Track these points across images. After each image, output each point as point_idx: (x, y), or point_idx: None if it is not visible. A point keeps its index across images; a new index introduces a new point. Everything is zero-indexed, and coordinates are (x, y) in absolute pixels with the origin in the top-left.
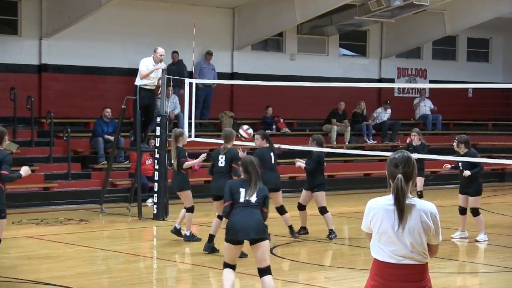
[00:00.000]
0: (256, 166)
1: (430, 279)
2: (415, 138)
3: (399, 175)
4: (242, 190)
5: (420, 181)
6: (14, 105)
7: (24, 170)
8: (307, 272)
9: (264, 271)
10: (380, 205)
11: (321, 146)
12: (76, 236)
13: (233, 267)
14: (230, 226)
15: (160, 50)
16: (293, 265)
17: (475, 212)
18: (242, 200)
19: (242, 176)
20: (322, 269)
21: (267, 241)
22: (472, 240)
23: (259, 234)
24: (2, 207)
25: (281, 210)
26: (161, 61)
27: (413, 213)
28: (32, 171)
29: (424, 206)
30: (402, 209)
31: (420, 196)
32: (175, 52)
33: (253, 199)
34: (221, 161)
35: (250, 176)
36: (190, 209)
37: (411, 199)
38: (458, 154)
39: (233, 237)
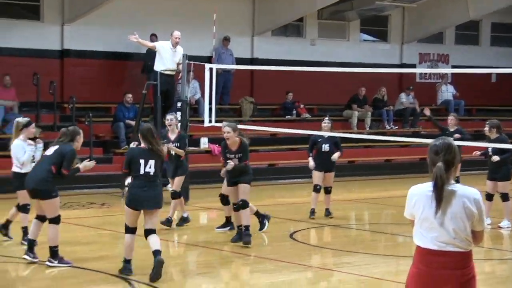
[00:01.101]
0: (154, 133)
1: (474, 266)
2: (452, 122)
3: (439, 163)
4: (142, 161)
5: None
6: (38, 90)
7: (83, 165)
8: (326, 257)
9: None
10: (421, 191)
11: None
12: (98, 219)
13: (133, 230)
14: (131, 197)
15: (176, 33)
16: (312, 250)
17: (505, 197)
18: (142, 172)
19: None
20: (342, 254)
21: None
22: (495, 226)
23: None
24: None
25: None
26: (177, 43)
27: (455, 199)
28: None
29: (467, 192)
30: (440, 197)
31: (457, 181)
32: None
33: (152, 170)
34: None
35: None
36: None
37: (453, 185)
38: (489, 139)
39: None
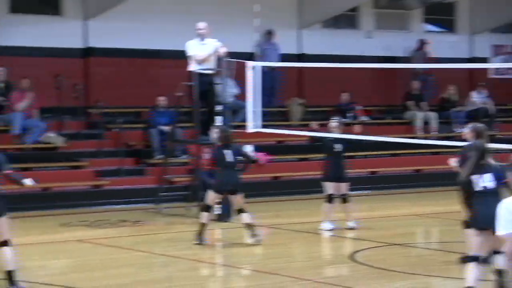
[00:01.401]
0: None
1: None
2: None
3: None
4: None
5: None
6: (60, 94)
7: (28, 181)
8: (395, 281)
9: None
10: None
11: None
12: (131, 239)
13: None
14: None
15: (198, 24)
16: (378, 272)
17: None
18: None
19: None
20: (411, 277)
21: None
22: None
23: None
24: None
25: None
26: (202, 35)
27: None
28: (81, 167)
29: None
30: None
31: None
32: None
33: None
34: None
35: None
36: None
37: None
38: None
39: None
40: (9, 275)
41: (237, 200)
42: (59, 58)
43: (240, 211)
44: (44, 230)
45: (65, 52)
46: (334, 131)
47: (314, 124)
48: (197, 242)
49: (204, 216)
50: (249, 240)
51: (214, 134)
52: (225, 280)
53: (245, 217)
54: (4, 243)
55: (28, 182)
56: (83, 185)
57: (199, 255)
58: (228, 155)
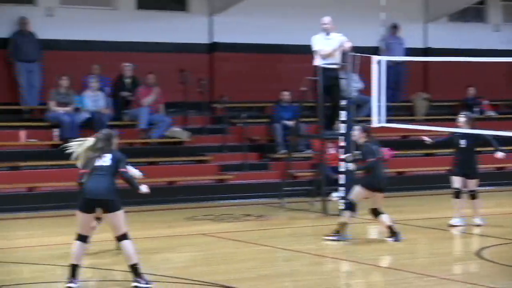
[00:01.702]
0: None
1: None
2: None
3: None
4: None
5: None
6: (185, 89)
7: (144, 188)
8: None
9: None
10: None
11: None
12: (255, 233)
13: None
14: None
15: (323, 19)
16: (504, 270)
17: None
18: None
19: None
20: None
21: None
22: None
23: None
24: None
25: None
26: (327, 30)
27: None
28: (205, 161)
29: None
30: None
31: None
32: None
33: None
34: None
35: None
36: None
37: None
38: None
39: None
40: (133, 268)
41: (380, 199)
42: (184, 54)
43: (377, 212)
44: (169, 224)
45: (191, 48)
46: (462, 127)
47: (426, 139)
48: (333, 239)
49: (347, 214)
50: (389, 240)
51: (355, 132)
52: (348, 276)
53: (385, 219)
54: (123, 237)
55: (144, 189)
56: (207, 179)
57: (322, 250)
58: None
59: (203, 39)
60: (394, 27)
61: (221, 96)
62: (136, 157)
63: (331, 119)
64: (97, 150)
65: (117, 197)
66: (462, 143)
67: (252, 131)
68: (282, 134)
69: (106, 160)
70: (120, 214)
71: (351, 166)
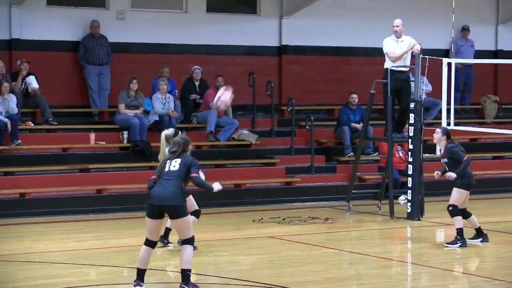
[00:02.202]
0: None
1: None
2: None
3: None
4: None
5: None
6: (254, 91)
7: (217, 186)
8: None
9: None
10: None
11: None
12: (321, 236)
13: None
14: None
15: (395, 21)
16: None
17: None
18: None
19: None
20: None
21: None
22: None
23: None
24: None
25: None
26: (397, 32)
27: None
28: (273, 164)
29: None
30: None
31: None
32: None
33: None
34: None
35: None
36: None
37: None
38: None
39: None
40: (184, 273)
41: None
42: (254, 56)
43: (467, 213)
44: (236, 226)
45: (260, 50)
46: None
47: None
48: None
49: (458, 221)
50: (476, 241)
51: (436, 135)
52: (415, 279)
53: (475, 219)
54: (186, 241)
55: (217, 187)
56: (274, 182)
57: (389, 253)
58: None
59: (272, 41)
60: (465, 29)
61: (289, 98)
62: (204, 160)
63: (399, 122)
64: (172, 154)
65: (182, 203)
66: None
67: (319, 133)
68: (349, 136)
69: (175, 165)
70: (185, 220)
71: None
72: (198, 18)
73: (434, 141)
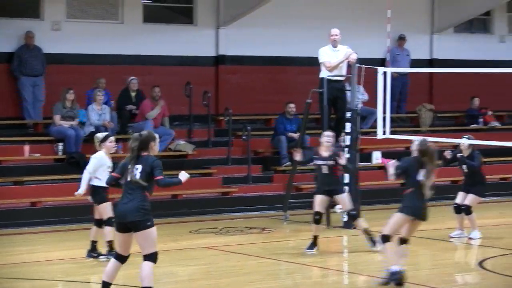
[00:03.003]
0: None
1: None
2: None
3: None
4: None
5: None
6: (190, 101)
7: (183, 176)
8: None
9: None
10: None
11: None
12: (258, 246)
13: None
14: None
15: (332, 31)
16: (507, 281)
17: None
18: None
19: None
20: None
21: None
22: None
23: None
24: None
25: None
26: (335, 41)
27: None
28: (210, 174)
29: None
30: None
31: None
32: None
33: None
34: None
35: None
36: None
37: None
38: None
39: None
40: None
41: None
42: (190, 67)
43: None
44: (173, 237)
45: (197, 61)
46: (464, 151)
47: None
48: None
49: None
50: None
51: (464, 143)
52: None
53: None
54: (146, 257)
55: (184, 177)
56: (211, 192)
57: (325, 262)
58: None
59: (209, 51)
60: (401, 39)
61: (226, 108)
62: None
63: (335, 131)
64: (131, 152)
65: (145, 216)
66: (464, 167)
67: (256, 143)
68: (286, 146)
69: (136, 173)
70: (147, 233)
71: None
72: (135, 28)
73: (461, 148)
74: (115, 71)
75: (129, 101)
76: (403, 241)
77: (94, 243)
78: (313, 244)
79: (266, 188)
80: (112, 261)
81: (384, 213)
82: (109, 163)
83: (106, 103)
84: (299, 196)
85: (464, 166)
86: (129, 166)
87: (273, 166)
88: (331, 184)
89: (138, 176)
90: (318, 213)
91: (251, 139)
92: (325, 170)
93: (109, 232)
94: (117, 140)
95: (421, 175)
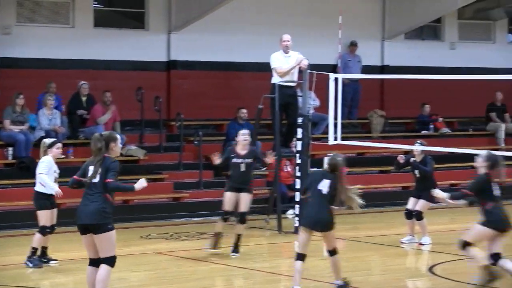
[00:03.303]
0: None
1: None
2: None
3: None
4: None
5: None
6: (141, 106)
7: (140, 184)
8: None
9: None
10: None
11: None
12: (210, 252)
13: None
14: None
15: (284, 37)
16: (457, 286)
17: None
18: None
19: None
20: None
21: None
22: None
23: None
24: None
25: None
26: (286, 47)
27: None
28: (161, 179)
29: None
30: None
31: None
32: None
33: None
34: None
35: None
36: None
37: None
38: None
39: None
40: None
41: None
42: (142, 72)
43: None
44: (124, 243)
45: (149, 65)
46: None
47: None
48: None
49: None
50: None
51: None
52: None
53: None
54: (103, 260)
55: (140, 185)
56: (162, 197)
57: (277, 267)
58: None
59: (161, 56)
60: (353, 45)
61: (177, 114)
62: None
63: (287, 137)
64: (94, 153)
65: (103, 220)
66: (416, 173)
67: (208, 149)
68: None
69: (96, 176)
70: (106, 236)
71: None
72: (86, 33)
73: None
74: (66, 76)
75: (80, 105)
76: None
77: (43, 249)
78: (216, 243)
79: (217, 194)
80: (88, 268)
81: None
82: (55, 168)
83: (56, 107)
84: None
85: (417, 171)
86: (90, 168)
87: (224, 172)
88: (244, 183)
89: (97, 178)
90: (227, 212)
91: (202, 144)
92: (242, 168)
93: (37, 239)
94: (67, 145)
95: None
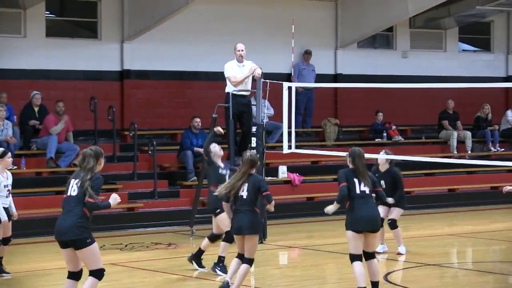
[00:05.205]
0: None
1: None
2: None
3: None
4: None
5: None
6: (95, 116)
7: (113, 199)
8: None
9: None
10: None
11: None
12: (164, 262)
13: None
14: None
15: (238, 46)
16: None
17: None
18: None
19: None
20: None
21: None
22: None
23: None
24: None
25: None
26: (241, 56)
27: None
28: (115, 189)
29: None
30: None
31: None
32: None
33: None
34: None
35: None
36: None
37: None
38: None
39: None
40: None
41: None
42: (95, 81)
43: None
44: None
45: (102, 75)
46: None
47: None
48: None
49: None
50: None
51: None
52: None
53: None
54: (91, 273)
55: (114, 201)
56: (116, 207)
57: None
58: None
59: (114, 66)
60: (307, 53)
61: (131, 123)
62: (44, 187)
63: (241, 146)
64: (90, 170)
65: (82, 234)
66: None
67: (162, 158)
68: (192, 161)
69: (75, 188)
70: (88, 251)
71: None
72: (37, 42)
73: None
74: (18, 86)
75: (32, 116)
76: None
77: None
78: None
79: (172, 203)
80: (67, 281)
81: (293, 227)
82: (4, 181)
83: (8, 118)
84: (206, 211)
85: (382, 182)
86: (72, 181)
87: (179, 181)
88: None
89: (76, 191)
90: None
91: (157, 154)
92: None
93: None
94: (20, 156)
95: None
